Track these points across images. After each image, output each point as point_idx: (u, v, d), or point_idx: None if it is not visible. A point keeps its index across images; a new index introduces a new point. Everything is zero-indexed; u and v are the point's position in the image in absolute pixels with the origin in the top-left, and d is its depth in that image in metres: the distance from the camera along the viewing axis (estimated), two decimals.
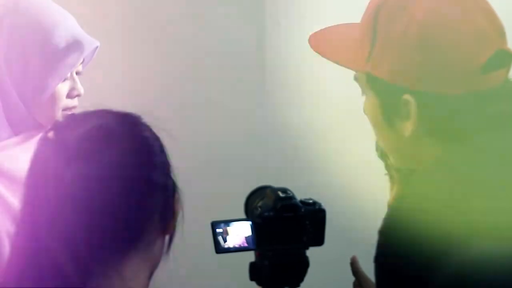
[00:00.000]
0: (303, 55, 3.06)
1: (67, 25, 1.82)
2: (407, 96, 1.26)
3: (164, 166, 1.27)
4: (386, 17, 1.29)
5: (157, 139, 1.28)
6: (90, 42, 1.85)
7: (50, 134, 1.20)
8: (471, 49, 1.24)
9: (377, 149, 1.80)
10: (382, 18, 1.29)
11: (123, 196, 1.18)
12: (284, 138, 3.07)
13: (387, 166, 1.77)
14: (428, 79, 1.25)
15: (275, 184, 1.93)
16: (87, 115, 1.25)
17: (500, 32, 1.28)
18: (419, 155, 1.29)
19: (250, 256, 1.89)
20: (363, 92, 1.34)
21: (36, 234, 1.14)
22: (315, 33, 1.40)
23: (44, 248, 1.13)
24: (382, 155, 1.78)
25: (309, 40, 1.39)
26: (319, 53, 1.37)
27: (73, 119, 1.24)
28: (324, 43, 1.39)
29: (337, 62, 1.35)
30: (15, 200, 1.76)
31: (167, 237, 1.29)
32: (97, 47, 1.90)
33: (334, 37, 1.40)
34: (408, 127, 1.27)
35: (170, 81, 3.01)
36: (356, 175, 2.98)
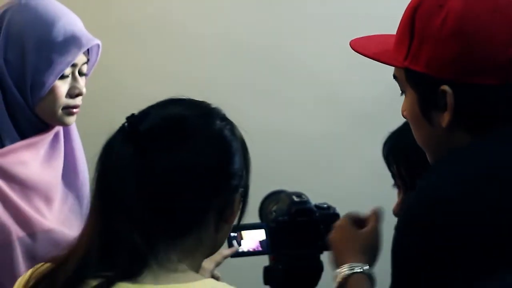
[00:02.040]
0: (312, 57, 3.08)
1: (67, 21, 1.81)
2: (444, 87, 1.29)
3: (233, 165, 1.30)
4: (423, 15, 1.33)
5: (233, 134, 1.32)
6: (89, 39, 1.83)
7: (125, 123, 1.26)
8: (505, 39, 1.27)
9: (383, 154, 1.80)
10: (419, 17, 1.33)
11: (183, 192, 1.25)
12: (291, 140, 3.07)
13: (392, 174, 1.77)
14: (464, 69, 1.28)
15: (286, 187, 1.94)
16: (162, 105, 1.30)
17: None
18: (452, 148, 1.31)
19: (265, 260, 1.89)
20: (402, 91, 1.37)
21: (110, 215, 1.24)
22: (355, 38, 1.43)
23: (119, 226, 1.23)
24: (388, 162, 1.78)
25: (350, 44, 1.41)
26: (359, 52, 1.40)
27: (149, 110, 1.29)
28: (364, 44, 1.42)
29: (378, 60, 1.38)
30: (24, 204, 1.76)
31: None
32: (99, 46, 1.88)
33: (374, 40, 1.44)
34: (445, 118, 1.30)
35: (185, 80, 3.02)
36: (366, 177, 2.98)
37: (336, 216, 1.86)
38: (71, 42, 1.79)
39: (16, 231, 1.75)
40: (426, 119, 1.33)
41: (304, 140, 3.08)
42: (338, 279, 1.57)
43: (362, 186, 2.97)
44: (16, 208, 1.76)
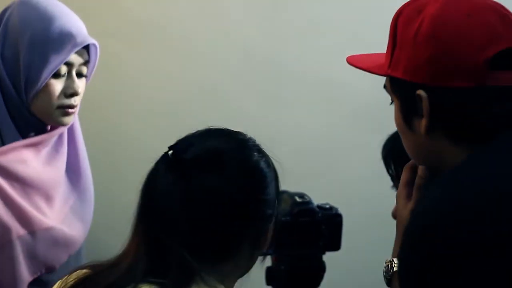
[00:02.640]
0: (317, 58, 3.08)
1: (65, 20, 1.80)
2: (420, 92, 1.29)
3: (267, 196, 1.39)
4: (404, 22, 1.33)
5: (268, 166, 1.41)
6: (85, 37, 1.82)
7: (170, 152, 1.36)
8: (478, 42, 1.27)
9: (382, 156, 1.80)
10: (400, 24, 1.34)
11: (219, 219, 1.34)
12: (297, 141, 3.07)
13: (391, 176, 1.77)
14: (437, 72, 1.27)
15: (288, 188, 1.94)
16: (203, 136, 1.40)
17: None
18: (442, 156, 1.30)
19: (267, 261, 1.89)
20: (392, 101, 1.37)
21: (158, 232, 1.34)
22: (352, 55, 1.45)
23: (168, 243, 1.34)
24: (386, 164, 1.78)
25: (346, 59, 1.44)
26: (351, 64, 1.42)
27: (190, 139, 1.39)
28: (357, 58, 1.45)
29: (368, 71, 1.39)
30: (25, 202, 1.76)
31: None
32: (96, 47, 1.87)
33: (367, 55, 1.45)
34: (422, 124, 1.29)
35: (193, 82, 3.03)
36: (368, 178, 2.98)
37: (338, 216, 1.87)
38: (66, 40, 1.79)
39: (16, 229, 1.75)
40: (408, 126, 1.33)
41: (306, 141, 3.08)
42: (390, 271, 1.39)
43: (365, 186, 2.97)
44: (17, 206, 1.76)
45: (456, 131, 1.29)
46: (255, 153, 1.40)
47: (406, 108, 1.32)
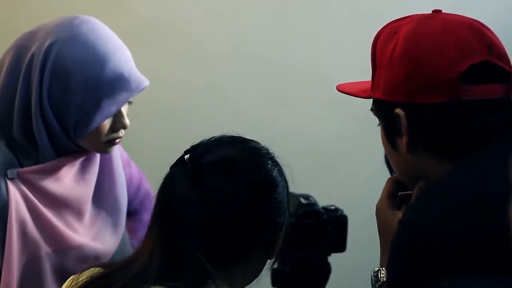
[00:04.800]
0: (324, 59, 3.08)
1: (117, 60, 1.72)
2: (398, 110, 1.30)
3: (279, 204, 1.41)
4: (381, 44, 1.35)
5: (281, 175, 1.43)
6: (139, 83, 1.75)
7: (186, 157, 1.39)
8: (450, 57, 1.27)
9: (385, 160, 1.80)
10: (379, 46, 1.36)
11: (232, 224, 1.36)
12: (302, 141, 3.08)
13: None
14: (413, 90, 1.28)
15: (294, 190, 1.94)
16: (220, 143, 1.42)
17: (490, 48, 1.29)
18: (426, 172, 1.30)
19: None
20: (379, 123, 1.38)
21: (174, 234, 1.37)
22: (341, 83, 1.50)
23: (184, 245, 1.36)
24: (390, 168, 1.78)
25: (336, 87, 1.47)
26: (340, 90, 1.45)
27: (207, 145, 1.41)
28: (346, 85, 1.47)
29: (352, 94, 1.42)
30: (56, 220, 1.75)
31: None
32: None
33: (357, 82, 1.47)
34: (403, 142, 1.30)
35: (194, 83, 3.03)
36: (374, 180, 2.97)
37: (343, 218, 1.87)
38: (121, 86, 1.72)
39: (46, 245, 1.74)
40: (392, 146, 1.34)
41: (312, 143, 3.08)
42: (381, 280, 1.42)
43: (370, 188, 2.96)
44: (48, 224, 1.74)
45: (437, 146, 1.30)
46: (269, 162, 1.42)
47: (388, 128, 1.34)
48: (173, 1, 3.05)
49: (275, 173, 1.42)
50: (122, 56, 1.74)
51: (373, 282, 1.39)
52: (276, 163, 1.44)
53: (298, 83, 3.10)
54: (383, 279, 1.37)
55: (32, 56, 1.69)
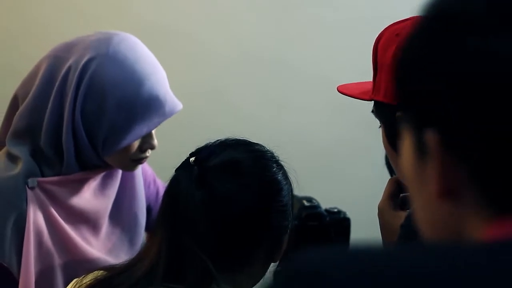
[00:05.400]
0: (326, 61, 3.08)
1: (153, 82, 1.70)
2: (399, 113, 1.29)
3: (284, 208, 1.42)
4: (383, 46, 1.36)
5: (285, 178, 1.44)
6: (172, 108, 1.73)
7: (192, 160, 1.39)
8: None
9: (386, 162, 1.80)
10: (380, 48, 1.36)
11: (237, 227, 1.37)
12: (304, 143, 3.08)
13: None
14: None
15: (298, 192, 1.94)
16: (224, 146, 1.43)
17: None
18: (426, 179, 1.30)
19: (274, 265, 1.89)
20: (380, 124, 1.37)
21: (180, 237, 1.37)
22: (342, 84, 1.51)
23: (189, 247, 1.36)
24: (390, 170, 1.78)
25: (337, 89, 1.48)
26: (341, 92, 1.45)
27: (212, 148, 1.42)
28: (347, 86, 1.48)
29: (352, 96, 1.42)
30: (73, 233, 1.74)
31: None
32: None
33: (358, 83, 1.47)
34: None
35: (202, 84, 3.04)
36: (377, 183, 2.98)
37: (346, 220, 1.87)
38: (155, 109, 1.71)
39: (60, 257, 1.74)
40: (393, 149, 1.34)
41: (315, 145, 3.08)
42: None
43: (373, 191, 2.97)
44: (64, 235, 1.73)
45: None
46: (273, 165, 1.43)
47: (390, 130, 1.34)
48: (176, 3, 3.06)
49: (279, 176, 1.43)
50: (159, 78, 1.74)
51: None
52: (280, 166, 1.44)
53: (302, 86, 3.10)
54: None
55: (69, 68, 1.68)
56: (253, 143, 1.46)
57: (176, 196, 1.39)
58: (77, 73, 1.67)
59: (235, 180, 1.38)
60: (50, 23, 2.96)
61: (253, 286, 1.45)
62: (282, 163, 1.45)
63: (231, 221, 1.36)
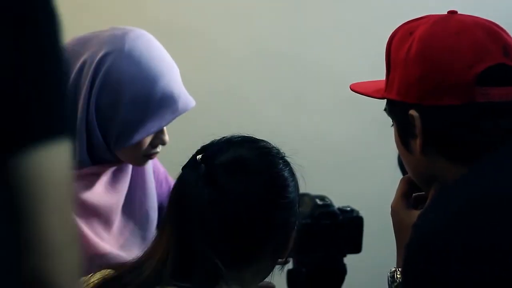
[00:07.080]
0: (338, 61, 3.08)
1: (168, 80, 1.71)
2: (412, 111, 1.29)
3: (290, 204, 1.42)
4: (396, 44, 1.34)
5: (292, 175, 1.43)
6: (185, 105, 1.74)
7: (199, 157, 1.39)
8: (466, 59, 1.26)
9: (398, 163, 1.80)
10: (393, 46, 1.35)
11: (245, 224, 1.37)
12: (318, 142, 3.08)
13: None
14: (427, 91, 1.27)
15: (310, 191, 1.94)
16: (231, 144, 1.43)
17: (506, 50, 1.29)
18: (440, 175, 1.30)
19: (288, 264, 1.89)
20: (392, 123, 1.37)
21: (188, 234, 1.37)
22: (355, 83, 1.49)
23: (197, 245, 1.36)
24: (403, 170, 1.77)
25: (350, 87, 1.47)
26: (354, 90, 1.44)
27: (219, 145, 1.42)
28: (360, 84, 1.47)
29: (365, 94, 1.41)
30: (85, 227, 1.74)
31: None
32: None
33: (371, 82, 1.46)
34: (417, 144, 1.29)
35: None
36: (390, 182, 2.97)
37: (359, 219, 1.87)
38: (167, 105, 1.72)
39: None
40: (406, 148, 1.33)
41: (328, 144, 3.08)
42: (396, 281, 1.42)
43: (386, 190, 2.96)
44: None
45: (450, 149, 1.29)
46: (280, 161, 1.43)
47: (402, 129, 1.33)
48: (189, 2, 3.06)
49: (286, 173, 1.42)
50: (173, 75, 1.74)
51: (390, 283, 1.39)
52: (287, 163, 1.44)
53: (315, 84, 3.10)
54: (399, 280, 1.37)
55: (84, 63, 1.69)
56: (259, 140, 1.46)
57: (184, 194, 1.40)
58: (92, 67, 1.67)
59: (242, 178, 1.38)
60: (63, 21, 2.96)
61: (260, 282, 1.45)
62: (288, 159, 1.45)
63: (238, 218, 1.36)
